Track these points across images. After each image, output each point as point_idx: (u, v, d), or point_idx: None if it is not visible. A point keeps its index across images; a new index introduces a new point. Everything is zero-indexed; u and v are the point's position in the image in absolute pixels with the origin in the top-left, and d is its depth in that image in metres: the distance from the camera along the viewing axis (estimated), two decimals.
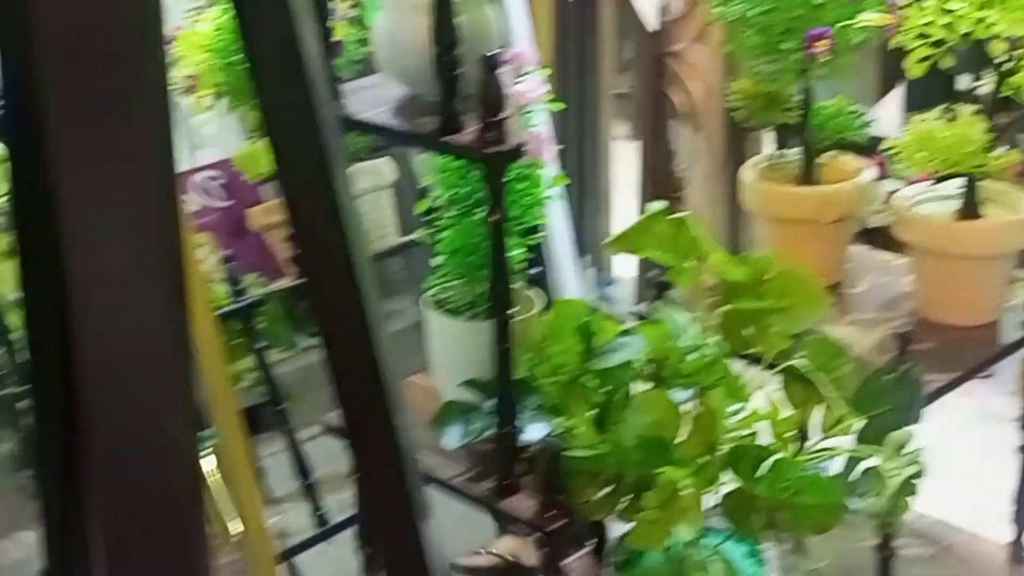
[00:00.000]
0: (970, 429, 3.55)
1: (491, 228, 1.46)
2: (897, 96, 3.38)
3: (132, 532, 0.70)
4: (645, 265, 3.75)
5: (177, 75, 2.23)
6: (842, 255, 1.99)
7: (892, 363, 1.68)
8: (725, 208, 3.61)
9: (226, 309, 2.23)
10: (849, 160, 1.99)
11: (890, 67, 3.16)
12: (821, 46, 1.75)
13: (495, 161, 1.41)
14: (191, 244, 1.73)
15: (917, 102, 3.20)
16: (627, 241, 1.67)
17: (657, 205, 1.65)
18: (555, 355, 1.62)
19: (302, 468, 2.34)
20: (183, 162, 2.66)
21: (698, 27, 3.45)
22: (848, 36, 1.77)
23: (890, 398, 1.64)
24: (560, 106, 1.65)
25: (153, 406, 0.68)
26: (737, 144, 3.58)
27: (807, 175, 1.94)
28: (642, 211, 3.57)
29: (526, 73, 1.58)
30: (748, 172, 1.97)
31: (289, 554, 2.29)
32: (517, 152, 1.41)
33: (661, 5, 3.48)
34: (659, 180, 3.66)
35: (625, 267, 3.75)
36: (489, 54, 1.39)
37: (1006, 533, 2.05)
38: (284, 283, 2.41)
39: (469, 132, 1.43)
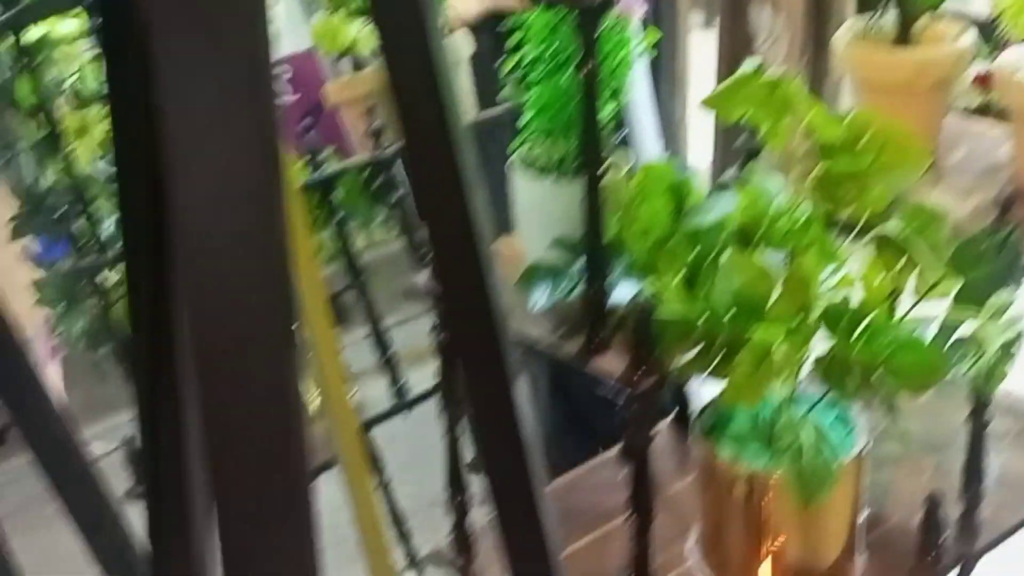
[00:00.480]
0: None
1: (582, 83, 1.42)
2: None
3: (227, 387, 0.69)
4: (725, 143, 3.69)
5: None
6: (938, 123, 1.93)
7: (990, 228, 1.63)
8: (808, 89, 3.54)
9: (306, 180, 2.21)
10: (947, 24, 1.92)
11: None
12: None
13: (589, 11, 1.36)
14: None
15: None
16: (721, 99, 1.62)
17: (751, 64, 1.60)
18: (644, 216, 1.58)
19: (380, 342, 2.33)
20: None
21: None
22: None
23: (988, 262, 1.60)
24: None
25: (246, 258, 0.67)
26: (819, 25, 3.49)
27: (903, 39, 1.88)
28: None
29: None
30: (841, 36, 1.91)
31: (368, 426, 2.29)
32: (611, 3, 1.37)
33: None
34: (737, 64, 3.59)
35: (702, 155, 3.70)
36: None
37: None
38: (362, 158, 2.38)
39: None
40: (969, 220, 1.75)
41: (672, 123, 3.78)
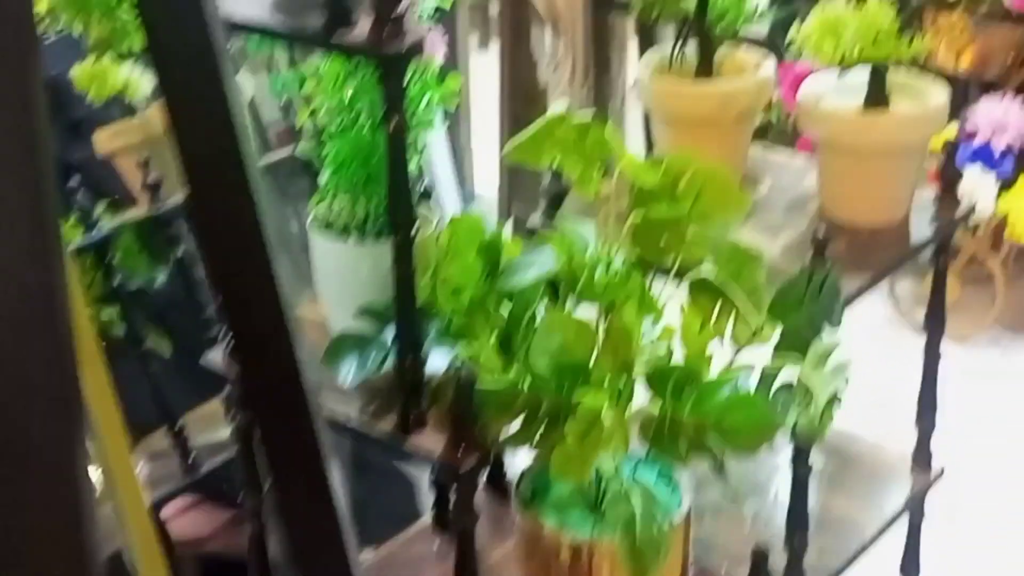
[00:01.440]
0: (872, 334, 3.54)
1: (388, 139, 1.31)
2: None
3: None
4: (512, 178, 3.62)
5: None
6: (744, 155, 1.88)
7: (807, 269, 1.58)
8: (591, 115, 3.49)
9: (78, 244, 2.04)
10: (747, 54, 1.88)
11: None
12: None
13: (395, 60, 1.25)
14: None
15: None
16: (527, 148, 1.53)
17: (558, 109, 1.51)
18: (455, 276, 1.48)
19: (166, 410, 2.17)
20: None
21: None
22: None
23: (807, 306, 1.55)
24: (449, 1, 1.50)
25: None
26: (602, 49, 3.46)
27: (705, 71, 1.82)
28: (505, 124, 3.46)
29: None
30: (642, 69, 1.85)
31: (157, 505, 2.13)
32: (418, 49, 1.26)
33: None
34: (521, 91, 3.53)
35: (486, 183, 3.63)
36: None
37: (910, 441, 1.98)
38: (140, 212, 2.21)
39: (362, 27, 1.28)
40: (782, 258, 1.71)
41: (457, 152, 3.70)
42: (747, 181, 1.89)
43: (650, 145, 3.29)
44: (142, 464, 2.21)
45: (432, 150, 2.00)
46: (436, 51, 1.45)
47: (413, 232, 1.36)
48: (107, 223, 2.18)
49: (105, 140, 2.52)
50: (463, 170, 3.71)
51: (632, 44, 3.48)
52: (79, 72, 2.25)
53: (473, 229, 1.53)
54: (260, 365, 0.83)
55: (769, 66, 1.83)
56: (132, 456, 1.92)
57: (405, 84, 1.29)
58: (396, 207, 1.34)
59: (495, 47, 4.06)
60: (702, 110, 1.79)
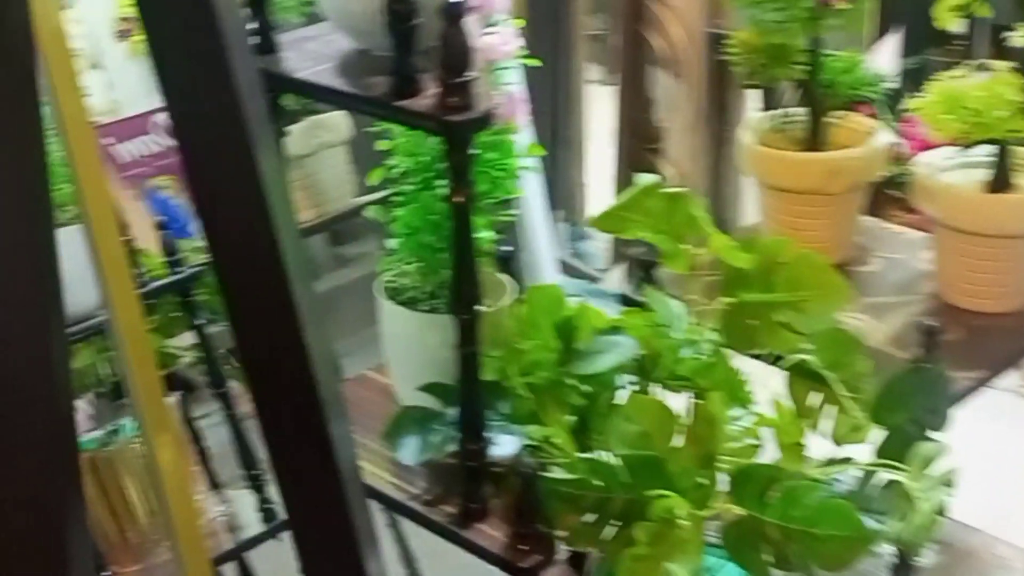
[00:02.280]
0: (988, 424, 3.35)
1: (454, 211, 1.22)
2: (892, 44, 3.16)
3: None
4: None
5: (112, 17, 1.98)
6: (852, 228, 1.76)
7: (915, 361, 1.45)
8: (707, 160, 3.39)
9: (160, 283, 1.98)
10: (860, 120, 1.75)
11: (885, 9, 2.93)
12: None
13: (459, 131, 1.16)
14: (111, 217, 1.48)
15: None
16: (615, 219, 1.43)
17: (649, 178, 1.41)
18: (529, 353, 1.39)
19: (246, 456, 2.10)
20: (142, 103, 2.40)
21: None
22: None
23: (913, 402, 1.42)
24: (536, 62, 1.41)
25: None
26: (720, 93, 3.35)
27: (813, 138, 1.70)
28: (620, 162, 3.36)
29: (494, 22, 1.33)
30: (746, 134, 1.73)
31: (237, 551, 2.06)
32: (485, 120, 1.17)
33: None
34: (637, 130, 3.43)
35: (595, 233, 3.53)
36: (451, 1, 1.14)
37: None
38: None
39: (427, 95, 1.19)
40: (891, 345, 1.58)
41: (569, 189, 3.62)
42: (856, 255, 1.77)
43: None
44: (220, 509, 2.15)
45: (525, 219, 1.91)
46: (517, 114, 1.35)
47: (478, 310, 1.26)
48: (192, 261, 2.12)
49: None
50: (575, 206, 3.62)
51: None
52: None
53: (552, 301, 1.44)
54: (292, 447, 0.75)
55: (883, 135, 1.71)
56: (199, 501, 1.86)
57: (473, 154, 1.19)
58: (460, 283, 1.25)
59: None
60: (809, 180, 1.67)
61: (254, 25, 1.30)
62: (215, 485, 2.09)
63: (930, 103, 1.58)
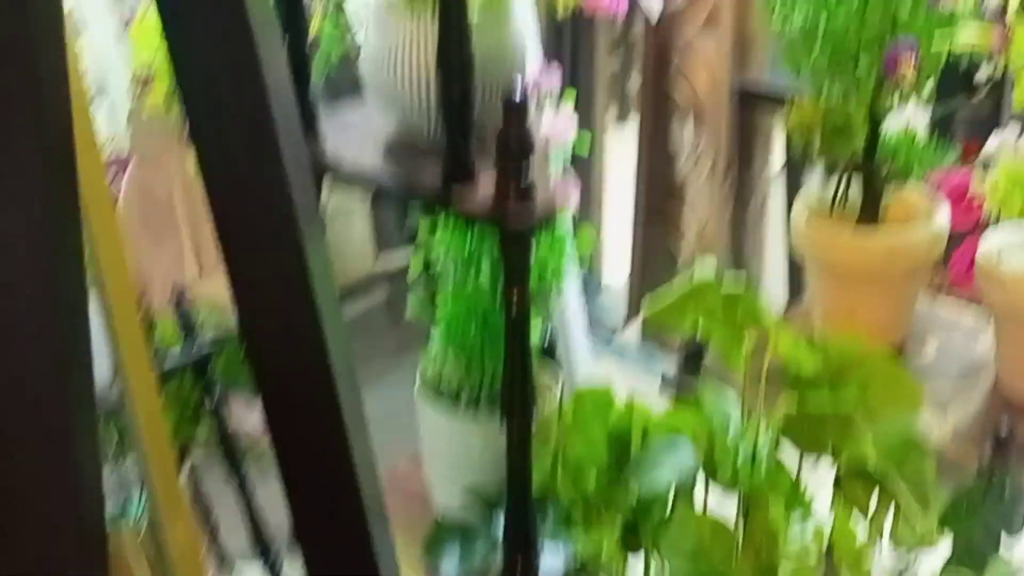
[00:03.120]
0: None
1: (507, 306, 1.13)
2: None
3: None
4: (643, 269, 3.43)
5: (130, 73, 1.89)
6: (910, 311, 1.67)
7: (985, 467, 1.36)
8: (730, 211, 3.30)
9: (177, 363, 1.89)
10: (918, 197, 1.66)
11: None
12: (905, 67, 1.42)
13: (519, 229, 1.07)
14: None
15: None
16: (671, 313, 1.34)
17: (706, 273, 1.33)
18: (579, 456, 1.30)
19: (261, 542, 2.00)
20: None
21: (704, 16, 3.12)
22: (937, 55, 1.44)
23: (985, 512, 1.33)
24: (586, 146, 1.32)
25: None
26: (744, 143, 3.26)
27: (870, 215, 1.61)
28: (637, 212, 3.27)
29: (549, 102, 1.25)
30: (799, 210, 1.64)
31: None
32: (546, 217, 1.08)
33: None
34: (657, 180, 3.35)
35: (614, 273, 3.45)
36: (515, 88, 1.04)
37: None
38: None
39: (484, 186, 1.10)
40: (953, 443, 1.49)
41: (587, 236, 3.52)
42: (912, 339, 1.68)
43: (793, 272, 3.09)
44: None
45: (565, 311, 1.82)
46: (568, 201, 1.27)
47: (531, 416, 1.17)
48: (208, 335, 2.03)
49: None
50: (593, 260, 3.54)
51: (777, 139, 3.28)
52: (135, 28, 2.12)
53: (601, 403, 1.35)
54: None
55: (943, 212, 1.62)
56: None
57: (530, 251, 1.10)
58: (514, 388, 1.15)
59: (634, 121, 3.88)
60: (866, 263, 1.58)
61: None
62: (223, 561, 2.00)
63: (996, 181, 1.50)
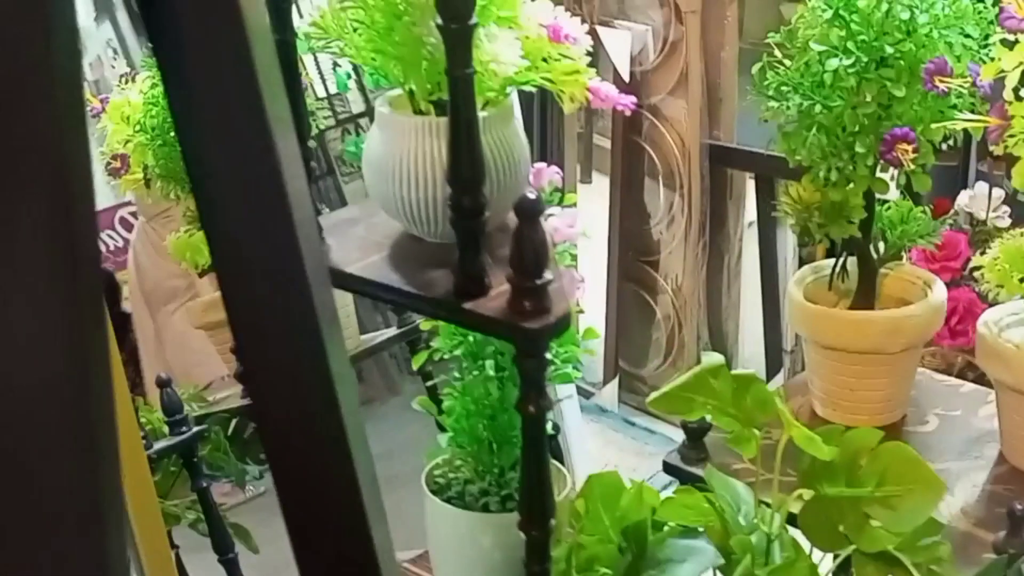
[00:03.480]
0: None
1: (523, 418, 1.11)
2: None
3: None
4: (619, 333, 3.42)
5: (103, 152, 1.87)
6: (909, 386, 1.66)
7: (1000, 547, 1.35)
8: (705, 274, 3.30)
9: (162, 445, 1.86)
10: (914, 271, 1.66)
11: None
12: (903, 151, 1.42)
13: (535, 339, 1.05)
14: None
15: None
16: (677, 399, 1.32)
17: (715, 358, 1.31)
18: (589, 549, 1.28)
19: None
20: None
21: (674, 76, 3.13)
22: (934, 137, 1.44)
23: None
24: (588, 236, 1.31)
25: None
26: (717, 202, 3.27)
27: (867, 292, 1.61)
28: (610, 273, 3.25)
29: (552, 198, 1.24)
30: (794, 289, 1.63)
31: None
32: (562, 325, 1.06)
33: (635, 53, 3.16)
34: (634, 240, 3.35)
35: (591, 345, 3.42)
36: (527, 197, 1.03)
37: None
38: (229, 403, 2.04)
39: (497, 295, 1.08)
40: (962, 519, 1.47)
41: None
42: (912, 413, 1.67)
43: (769, 330, 3.08)
44: None
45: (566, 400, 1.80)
46: (574, 294, 1.25)
47: (551, 526, 1.15)
48: (194, 414, 2.01)
49: (198, 314, 2.37)
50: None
51: (749, 196, 3.29)
52: (174, 242, 2.09)
53: (609, 490, 1.33)
54: None
55: (940, 289, 1.62)
56: None
57: (547, 360, 1.09)
58: (533, 498, 1.13)
59: (598, 179, 3.87)
60: (866, 343, 1.57)
61: None
62: None
63: (997, 262, 1.50)
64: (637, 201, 3.33)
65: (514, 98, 1.22)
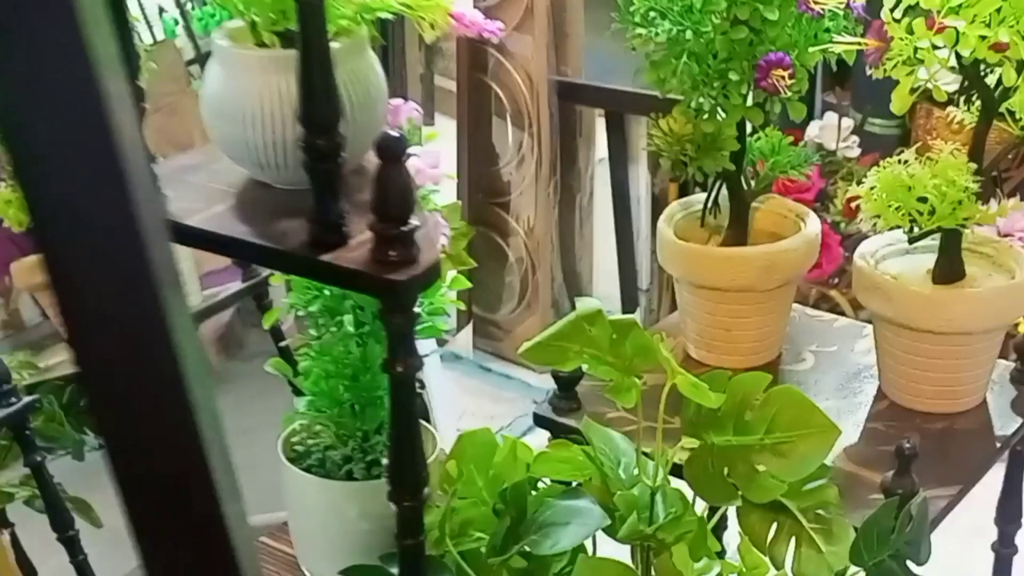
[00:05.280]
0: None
1: (391, 379, 1.01)
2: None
3: None
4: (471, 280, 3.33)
5: None
6: (783, 323, 1.60)
7: (888, 488, 1.30)
8: (557, 214, 3.22)
9: None
10: (786, 204, 1.60)
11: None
12: (779, 77, 1.34)
13: (404, 291, 0.95)
14: None
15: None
16: (551, 350, 1.24)
17: (590, 304, 1.23)
18: (462, 512, 1.19)
19: None
20: None
21: (518, 15, 3.03)
22: (809, 63, 1.37)
23: (895, 537, 1.26)
24: (453, 177, 1.20)
25: None
26: (567, 141, 3.19)
27: (739, 227, 1.54)
28: (466, 218, 3.16)
29: (414, 137, 1.13)
30: (664, 228, 1.56)
31: None
32: (432, 274, 0.96)
33: None
34: (483, 182, 3.25)
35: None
36: (390, 135, 0.92)
37: None
38: (62, 369, 1.89)
39: (357, 245, 0.97)
40: (847, 460, 1.42)
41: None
42: (787, 350, 1.62)
43: (625, 268, 3.02)
44: None
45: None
46: (439, 240, 1.15)
47: (424, 495, 1.05)
48: (25, 383, 1.87)
49: (24, 274, 2.21)
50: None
51: (599, 132, 3.22)
52: None
53: (482, 448, 1.24)
54: None
55: (814, 221, 1.56)
56: None
57: (417, 314, 0.98)
58: (403, 467, 1.03)
59: (441, 121, 3.76)
60: (740, 280, 1.50)
61: None
62: None
63: (874, 192, 1.44)
64: (485, 142, 3.23)
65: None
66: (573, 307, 1.17)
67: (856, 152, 3.02)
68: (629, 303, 3.19)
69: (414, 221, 0.94)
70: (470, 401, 3.13)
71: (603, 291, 3.33)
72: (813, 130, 3.03)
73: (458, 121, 3.27)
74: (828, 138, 3.03)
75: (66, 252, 0.49)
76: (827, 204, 2.88)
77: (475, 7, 3.03)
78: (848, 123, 3.02)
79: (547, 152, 3.14)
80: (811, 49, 1.34)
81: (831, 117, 3.03)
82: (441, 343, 3.35)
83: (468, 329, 3.41)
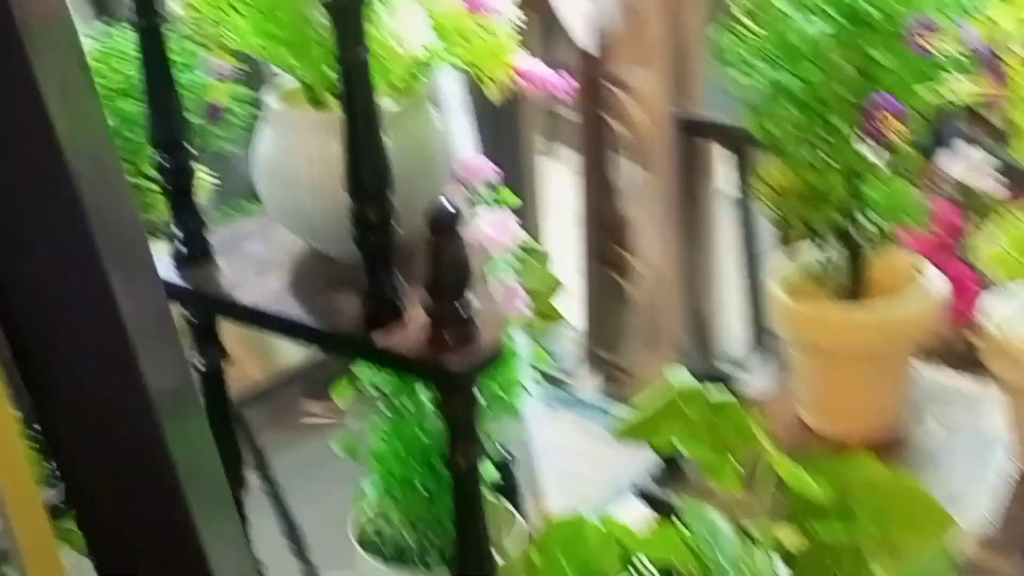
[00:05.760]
0: None
1: (453, 464, 0.92)
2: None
3: None
4: (594, 317, 3.24)
5: None
6: (904, 389, 1.47)
7: None
8: (678, 254, 3.11)
9: None
10: (903, 258, 1.47)
11: None
12: (888, 123, 1.23)
13: (459, 378, 0.86)
14: None
15: None
16: (647, 428, 1.15)
17: (688, 382, 1.13)
18: None
19: None
20: None
21: (641, 48, 2.93)
22: (924, 109, 1.25)
23: None
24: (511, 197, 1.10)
25: None
26: (689, 176, 3.08)
27: (855, 286, 1.42)
28: (588, 255, 3.08)
29: (481, 199, 1.04)
30: (776, 287, 1.44)
31: None
32: (491, 358, 0.87)
33: (598, 22, 2.96)
34: (604, 218, 3.15)
35: (564, 331, 3.23)
36: (441, 206, 0.84)
37: None
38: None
39: (413, 326, 0.89)
40: (981, 549, 1.29)
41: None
42: (911, 421, 1.49)
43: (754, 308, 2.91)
44: None
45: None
46: (514, 310, 1.06)
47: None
48: None
49: None
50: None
51: (721, 170, 3.10)
52: None
53: (571, 537, 1.15)
54: None
55: (933, 275, 1.43)
56: None
57: (478, 402, 0.90)
58: (468, 559, 0.95)
59: (562, 152, 3.68)
60: (857, 341, 1.39)
61: (177, 229, 1.00)
62: None
63: (1000, 245, 1.31)
64: (604, 177, 3.13)
65: (444, 82, 1.03)
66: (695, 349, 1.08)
67: (994, 187, 2.85)
68: (755, 345, 3.07)
69: (471, 298, 0.86)
70: (587, 444, 3.03)
71: (728, 331, 3.21)
72: (954, 167, 2.86)
73: (580, 156, 3.19)
74: (963, 172, 2.86)
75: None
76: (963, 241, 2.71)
77: (597, 43, 2.95)
78: (983, 154, 2.84)
79: (667, 187, 3.04)
80: (921, 90, 1.21)
81: (968, 149, 2.86)
82: (558, 383, 3.26)
83: (590, 371, 3.32)
